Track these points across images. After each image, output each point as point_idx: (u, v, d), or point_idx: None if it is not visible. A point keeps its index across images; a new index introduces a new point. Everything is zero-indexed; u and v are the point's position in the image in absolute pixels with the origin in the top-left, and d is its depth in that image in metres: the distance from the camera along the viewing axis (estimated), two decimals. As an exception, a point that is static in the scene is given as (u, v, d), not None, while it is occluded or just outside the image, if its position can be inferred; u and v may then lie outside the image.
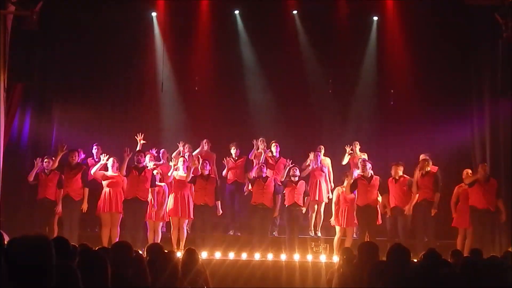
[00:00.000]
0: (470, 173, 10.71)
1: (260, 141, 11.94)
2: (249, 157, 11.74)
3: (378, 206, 10.55)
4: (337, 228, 10.61)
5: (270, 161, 11.72)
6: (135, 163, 10.45)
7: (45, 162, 10.69)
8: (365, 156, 11.62)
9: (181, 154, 11.45)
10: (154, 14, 13.30)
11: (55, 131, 12.56)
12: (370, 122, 13.31)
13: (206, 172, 10.74)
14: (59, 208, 10.46)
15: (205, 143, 12.07)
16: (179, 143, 11.80)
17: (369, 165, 10.55)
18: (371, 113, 13.33)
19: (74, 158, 10.68)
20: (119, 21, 12.69)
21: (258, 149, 11.86)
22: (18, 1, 10.37)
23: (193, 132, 12.93)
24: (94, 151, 11.39)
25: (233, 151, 11.86)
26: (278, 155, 11.85)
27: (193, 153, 11.72)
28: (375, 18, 13.27)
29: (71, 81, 12.75)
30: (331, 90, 13.36)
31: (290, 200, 10.67)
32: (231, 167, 11.80)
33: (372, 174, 10.56)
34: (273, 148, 11.84)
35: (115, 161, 10.61)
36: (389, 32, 13.22)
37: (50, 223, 10.48)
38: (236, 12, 13.44)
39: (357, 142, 12.02)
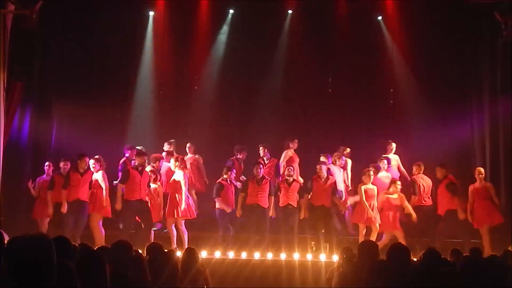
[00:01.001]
0: (483, 172, 10.73)
1: (261, 149, 11.85)
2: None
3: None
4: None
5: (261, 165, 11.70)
6: (136, 164, 10.46)
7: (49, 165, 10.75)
8: (397, 158, 11.71)
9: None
10: (151, 13, 13.28)
11: (54, 130, 12.56)
12: (370, 121, 13.31)
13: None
14: (65, 208, 10.28)
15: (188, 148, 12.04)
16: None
17: (324, 167, 10.70)
18: (370, 112, 13.33)
19: (85, 164, 10.56)
20: (118, 21, 12.67)
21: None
22: (17, 0, 10.36)
23: (193, 131, 12.92)
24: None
25: (239, 155, 11.83)
26: (268, 156, 11.78)
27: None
28: (379, 17, 13.25)
29: (71, 80, 12.73)
30: (330, 89, 13.36)
31: (284, 201, 10.66)
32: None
33: (328, 175, 10.69)
34: (261, 152, 11.72)
35: (96, 162, 10.54)
36: (388, 31, 13.21)
37: (42, 225, 10.47)
38: (231, 11, 13.40)
39: (393, 143, 11.89)
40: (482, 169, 10.77)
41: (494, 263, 5.23)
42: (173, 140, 12.03)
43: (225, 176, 10.83)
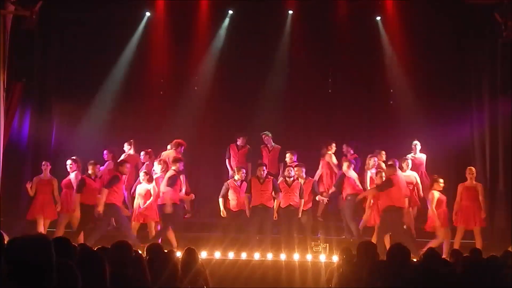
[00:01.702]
0: (474, 172, 10.67)
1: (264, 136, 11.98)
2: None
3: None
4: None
5: (264, 152, 11.78)
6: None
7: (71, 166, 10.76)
8: (424, 157, 11.74)
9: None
10: (148, 14, 13.26)
11: (54, 131, 12.56)
12: (370, 121, 13.32)
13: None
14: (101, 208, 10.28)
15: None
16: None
17: (303, 169, 10.80)
18: (370, 112, 13.34)
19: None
20: (118, 21, 12.70)
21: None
22: (17, 1, 10.37)
23: (193, 131, 12.91)
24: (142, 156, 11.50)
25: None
26: (271, 145, 11.97)
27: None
28: (378, 18, 13.25)
29: (71, 80, 12.75)
30: (330, 90, 13.36)
31: (285, 202, 10.65)
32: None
33: (307, 177, 10.87)
34: (265, 140, 11.99)
35: (73, 162, 10.73)
36: (388, 31, 13.21)
37: (42, 226, 10.49)
38: (230, 12, 13.40)
39: (417, 142, 11.88)
40: (473, 169, 10.70)
41: (494, 264, 5.24)
42: (131, 140, 12.06)
43: (237, 177, 10.81)
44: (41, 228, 10.30)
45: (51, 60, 12.30)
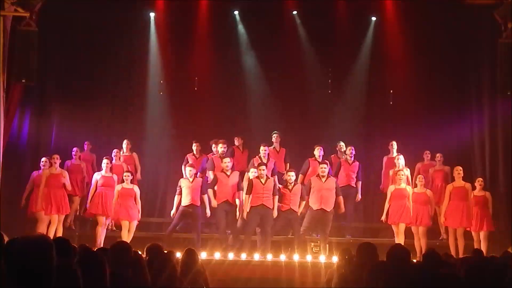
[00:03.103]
0: (461, 170, 10.66)
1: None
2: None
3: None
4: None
5: (272, 153, 11.76)
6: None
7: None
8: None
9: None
10: (152, 14, 13.26)
11: (54, 131, 12.55)
12: (369, 122, 13.31)
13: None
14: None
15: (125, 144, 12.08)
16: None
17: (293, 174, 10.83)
18: (370, 113, 13.33)
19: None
20: (118, 21, 12.69)
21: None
22: (17, 2, 10.37)
23: (192, 131, 12.91)
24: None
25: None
26: (279, 147, 11.99)
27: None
28: (373, 18, 13.25)
29: (71, 81, 12.73)
30: (330, 90, 13.36)
31: (285, 206, 10.63)
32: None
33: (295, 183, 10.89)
34: (274, 139, 11.97)
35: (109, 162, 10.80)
36: (388, 32, 13.21)
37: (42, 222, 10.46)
38: (236, 12, 13.42)
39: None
40: (460, 168, 10.71)
41: (494, 265, 5.23)
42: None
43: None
44: (45, 226, 10.23)
45: (51, 61, 12.29)
